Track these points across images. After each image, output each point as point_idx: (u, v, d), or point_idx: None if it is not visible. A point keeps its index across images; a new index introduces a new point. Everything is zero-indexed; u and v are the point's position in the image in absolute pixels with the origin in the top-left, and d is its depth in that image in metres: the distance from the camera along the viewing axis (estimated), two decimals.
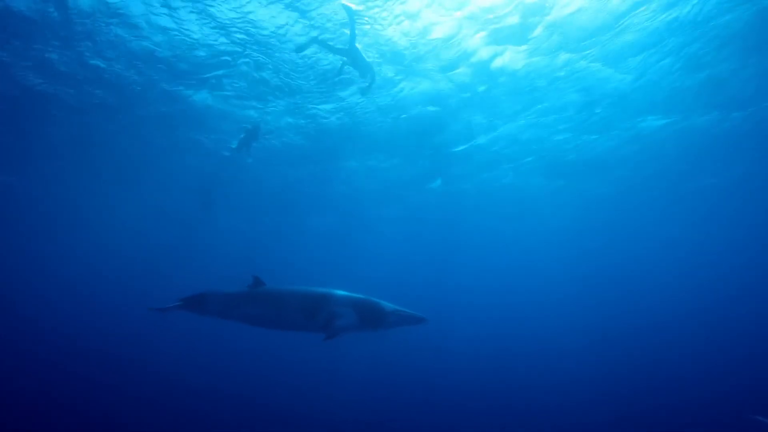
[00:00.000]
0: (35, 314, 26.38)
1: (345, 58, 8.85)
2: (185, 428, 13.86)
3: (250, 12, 9.27)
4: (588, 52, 10.17)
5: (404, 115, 13.28)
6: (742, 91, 11.75)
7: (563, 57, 10.40)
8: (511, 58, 10.46)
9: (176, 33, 9.87)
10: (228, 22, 9.53)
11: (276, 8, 9.17)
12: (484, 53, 10.32)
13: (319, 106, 12.95)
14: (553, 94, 11.94)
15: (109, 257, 29.61)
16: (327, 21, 9.35)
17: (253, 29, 9.79)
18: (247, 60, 10.91)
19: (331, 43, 9.28)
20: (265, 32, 9.88)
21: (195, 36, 9.94)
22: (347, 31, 8.90)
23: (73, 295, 33.84)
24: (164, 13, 9.31)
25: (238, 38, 10.04)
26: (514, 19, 9.23)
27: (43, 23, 9.48)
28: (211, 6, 9.08)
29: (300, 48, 9.76)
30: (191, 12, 9.24)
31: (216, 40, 10.11)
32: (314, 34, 9.58)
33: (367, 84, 9.48)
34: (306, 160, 16.51)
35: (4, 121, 13.81)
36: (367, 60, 9.02)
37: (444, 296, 35.89)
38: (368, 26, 9.45)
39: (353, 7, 8.29)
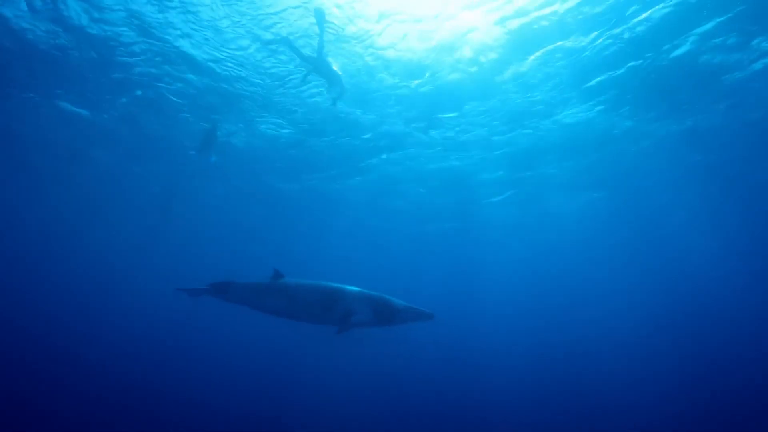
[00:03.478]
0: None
1: (311, 67, 8.78)
2: None
3: None
4: None
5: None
6: None
7: None
8: None
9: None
10: None
11: None
12: None
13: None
14: None
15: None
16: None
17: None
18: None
19: (302, 50, 8.99)
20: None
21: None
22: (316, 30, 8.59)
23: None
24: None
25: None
26: None
27: None
28: None
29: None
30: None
31: None
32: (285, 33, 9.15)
33: (337, 94, 9.44)
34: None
35: None
36: (335, 70, 8.95)
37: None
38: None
39: (325, 12, 8.17)
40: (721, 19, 8.81)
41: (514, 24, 8.87)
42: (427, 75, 10.58)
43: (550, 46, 9.59)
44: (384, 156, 15.43)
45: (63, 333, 23.12)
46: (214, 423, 15.25)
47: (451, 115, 12.55)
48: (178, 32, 9.54)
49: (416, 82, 10.87)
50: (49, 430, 12.29)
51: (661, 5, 8.41)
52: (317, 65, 8.70)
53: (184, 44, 9.96)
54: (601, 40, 9.39)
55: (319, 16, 8.21)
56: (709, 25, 9.00)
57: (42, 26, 9.57)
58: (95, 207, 21.07)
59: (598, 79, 10.80)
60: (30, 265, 31.38)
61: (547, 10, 8.50)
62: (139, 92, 12.05)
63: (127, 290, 33.99)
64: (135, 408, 14.93)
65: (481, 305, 37.71)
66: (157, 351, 23.65)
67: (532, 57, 9.91)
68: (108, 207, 21.07)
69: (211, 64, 10.62)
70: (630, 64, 10.21)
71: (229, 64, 10.61)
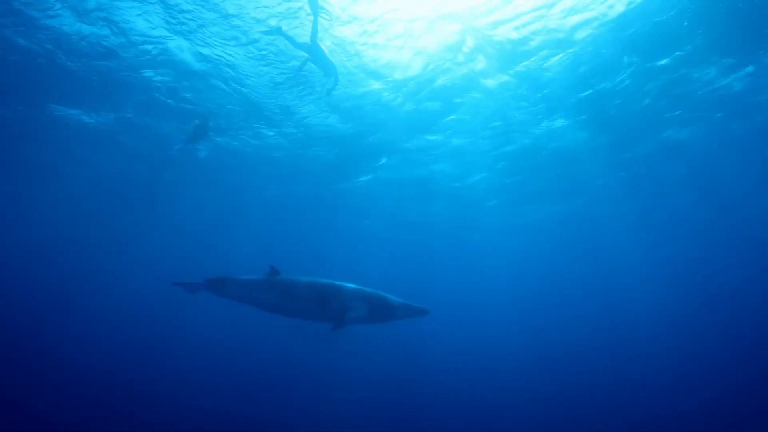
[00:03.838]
0: None
1: (306, 56, 8.82)
2: None
3: None
4: None
5: None
6: None
7: None
8: None
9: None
10: None
11: None
12: None
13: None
14: None
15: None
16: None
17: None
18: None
19: (295, 38, 8.90)
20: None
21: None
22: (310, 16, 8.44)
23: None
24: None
25: None
26: None
27: None
28: None
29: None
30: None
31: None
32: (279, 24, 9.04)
33: (332, 84, 9.56)
34: None
35: None
36: (330, 59, 9.04)
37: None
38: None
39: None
40: (700, 41, 9.27)
41: (501, 32, 9.12)
42: (422, 78, 10.75)
43: (534, 57, 9.89)
44: (382, 161, 15.68)
45: (58, 333, 23.11)
46: (214, 423, 15.35)
47: (447, 119, 12.79)
48: (171, 30, 9.51)
49: (410, 84, 11.03)
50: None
51: (643, 23, 8.79)
52: (311, 52, 8.74)
53: (177, 44, 9.95)
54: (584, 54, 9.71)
55: (312, 2, 8.10)
56: (688, 46, 9.47)
57: (34, 32, 9.60)
58: (89, 207, 21.14)
59: (582, 93, 11.20)
60: (23, 266, 31.50)
61: (527, 18, 8.77)
62: (135, 94, 12.04)
63: (123, 291, 33.86)
64: (134, 410, 14.91)
65: (478, 304, 37.95)
66: (156, 352, 23.68)
67: (520, 66, 10.19)
68: (101, 206, 21.10)
69: (205, 64, 10.64)
70: (613, 81, 10.71)
71: (223, 64, 10.62)
